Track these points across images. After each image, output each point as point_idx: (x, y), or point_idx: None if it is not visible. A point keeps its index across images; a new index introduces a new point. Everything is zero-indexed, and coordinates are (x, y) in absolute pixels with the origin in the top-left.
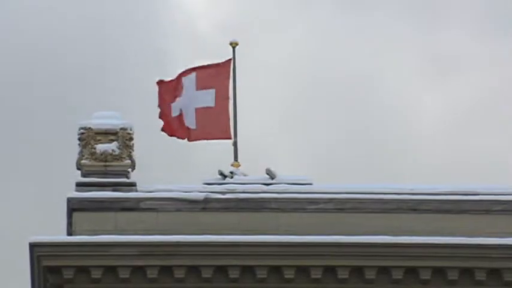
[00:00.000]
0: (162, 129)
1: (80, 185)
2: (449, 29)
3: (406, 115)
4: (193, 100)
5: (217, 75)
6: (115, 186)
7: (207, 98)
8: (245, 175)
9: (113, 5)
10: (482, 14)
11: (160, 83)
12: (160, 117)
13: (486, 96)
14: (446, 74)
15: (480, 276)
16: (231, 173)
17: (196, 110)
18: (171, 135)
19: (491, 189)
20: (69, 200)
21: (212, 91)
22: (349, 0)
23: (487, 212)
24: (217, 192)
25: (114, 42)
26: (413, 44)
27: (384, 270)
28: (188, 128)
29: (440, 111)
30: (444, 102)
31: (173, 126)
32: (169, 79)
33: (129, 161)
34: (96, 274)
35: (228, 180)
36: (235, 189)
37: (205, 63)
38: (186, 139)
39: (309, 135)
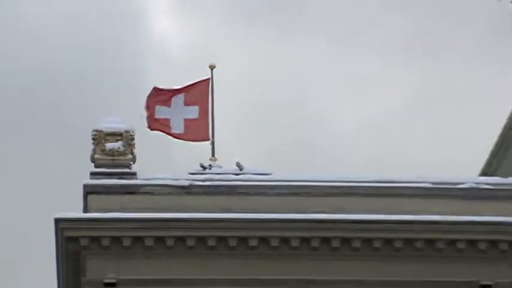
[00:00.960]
0: (148, 126)
1: (93, 174)
2: (365, 56)
3: (330, 124)
4: (182, 113)
5: (200, 94)
6: (120, 175)
7: (193, 112)
8: (220, 167)
9: (96, 32)
10: (390, 42)
11: (155, 89)
12: (148, 119)
13: (392, 109)
14: (362, 92)
15: (398, 244)
16: (209, 165)
17: (185, 120)
18: (152, 130)
19: (403, 178)
20: (85, 186)
21: (196, 108)
22: (289, 31)
23: (402, 195)
24: (198, 180)
25: (96, 63)
26: (336, 68)
27: (326, 241)
28: (176, 134)
29: (356, 122)
30: (359, 115)
31: (155, 124)
32: (163, 87)
33: (131, 156)
34: (105, 243)
35: (207, 171)
36: (212, 178)
37: (189, 83)
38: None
39: (262, 139)
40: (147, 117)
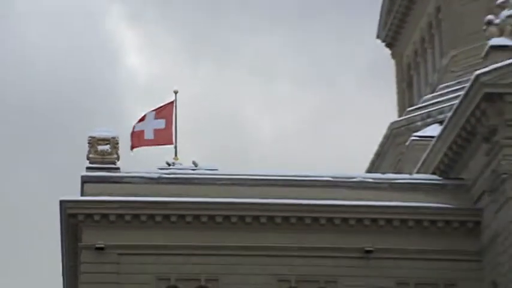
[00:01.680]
0: (132, 143)
1: (88, 169)
2: (279, 81)
3: (255, 132)
4: (152, 125)
5: (166, 111)
6: (108, 170)
7: (161, 124)
8: (181, 164)
9: (80, 66)
10: (296, 71)
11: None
12: (132, 133)
13: (300, 122)
14: (277, 108)
15: (307, 220)
16: (173, 163)
17: (154, 130)
18: (132, 149)
19: (310, 173)
20: (82, 177)
21: (163, 120)
22: (225, 65)
23: (310, 185)
24: (165, 173)
25: (82, 87)
26: (258, 90)
27: (256, 218)
28: (148, 140)
29: (273, 131)
30: (275, 126)
31: (134, 140)
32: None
33: (116, 156)
34: (96, 218)
35: (171, 166)
36: (175, 171)
37: (156, 105)
38: (146, 145)
39: (210, 143)
40: (131, 140)
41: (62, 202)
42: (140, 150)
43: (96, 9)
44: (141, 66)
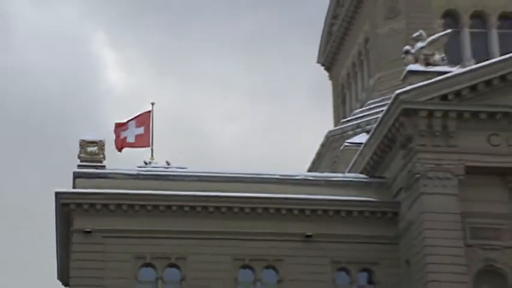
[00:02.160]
0: (116, 147)
1: (79, 166)
2: (236, 95)
3: (214, 138)
4: (134, 131)
5: (144, 120)
6: (95, 167)
7: (141, 130)
8: (156, 163)
9: (68, 79)
10: (251, 87)
11: (116, 124)
12: (115, 139)
13: (253, 131)
14: (234, 119)
15: (259, 210)
16: (150, 162)
17: (136, 135)
18: (119, 150)
19: (262, 172)
20: (74, 173)
21: (142, 127)
22: (190, 79)
23: (263, 182)
24: (143, 171)
25: (71, 99)
26: (217, 102)
27: (218, 208)
28: (129, 143)
29: (230, 137)
30: (232, 133)
31: (119, 143)
32: (120, 121)
33: (102, 156)
34: (85, 207)
35: (148, 165)
36: (151, 169)
37: (136, 114)
38: (128, 147)
39: (179, 146)
40: (115, 143)
41: (57, 194)
42: (123, 151)
43: (82, 34)
44: (119, 81)
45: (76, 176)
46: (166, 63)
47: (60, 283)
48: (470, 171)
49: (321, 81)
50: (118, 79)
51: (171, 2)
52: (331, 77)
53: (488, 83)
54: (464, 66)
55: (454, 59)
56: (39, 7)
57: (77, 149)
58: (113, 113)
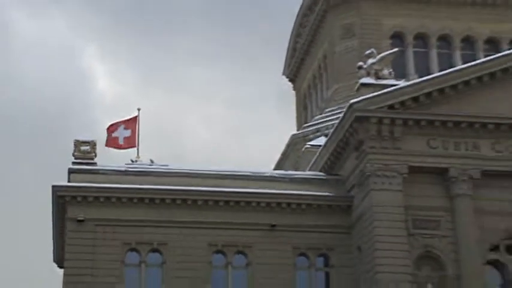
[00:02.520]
0: (106, 144)
1: (73, 163)
2: (213, 101)
3: (187, 139)
4: (123, 133)
5: (131, 123)
6: (88, 164)
7: (128, 133)
8: (141, 161)
9: (61, 89)
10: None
11: (110, 124)
12: (107, 138)
13: (225, 134)
14: (211, 123)
15: (232, 203)
16: (136, 160)
17: (124, 137)
18: (109, 147)
19: (235, 169)
20: (69, 169)
21: (130, 130)
22: (172, 90)
23: (233, 178)
24: (130, 167)
25: (64, 105)
26: (191, 109)
27: (195, 201)
28: (119, 144)
29: (202, 140)
30: (203, 137)
31: (110, 142)
32: (112, 122)
33: (94, 154)
34: (79, 199)
35: (134, 163)
36: (137, 166)
37: (124, 118)
38: (117, 148)
39: (160, 146)
40: (106, 143)
41: (53, 187)
42: (113, 151)
43: (76, 46)
44: (108, 89)
45: (71, 171)
46: (152, 73)
47: (56, 265)
48: (413, 170)
49: (286, 91)
50: (108, 87)
51: (153, 20)
52: (294, 88)
53: (428, 94)
54: (408, 80)
55: (400, 74)
56: (37, 20)
57: (71, 148)
58: (102, 118)
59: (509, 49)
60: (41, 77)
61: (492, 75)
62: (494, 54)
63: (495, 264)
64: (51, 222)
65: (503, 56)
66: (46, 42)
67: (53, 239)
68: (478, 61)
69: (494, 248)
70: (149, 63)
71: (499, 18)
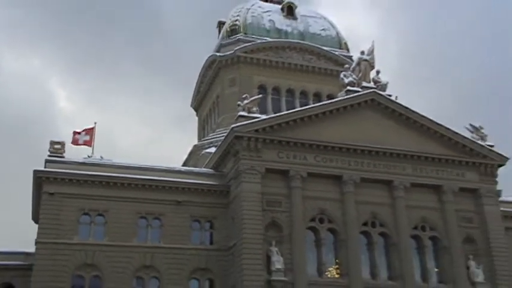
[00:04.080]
0: (72, 143)
1: (49, 156)
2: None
3: (119, 141)
4: (83, 138)
5: (90, 131)
6: (58, 157)
7: (87, 137)
8: (95, 156)
9: (30, 104)
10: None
11: (74, 132)
12: (72, 138)
13: (151, 134)
14: (133, 134)
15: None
16: (90, 156)
17: (84, 140)
18: (73, 144)
19: (158, 165)
20: (45, 160)
21: (89, 135)
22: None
23: (157, 170)
24: (87, 160)
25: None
26: (130, 114)
27: (143, 186)
28: (80, 144)
29: (131, 145)
30: (133, 142)
31: (74, 141)
32: (79, 130)
33: (63, 151)
34: (51, 179)
35: (90, 158)
36: (92, 160)
37: (85, 127)
38: (79, 145)
39: (108, 147)
40: (72, 142)
41: (34, 171)
42: (76, 148)
43: (45, 76)
44: (73, 107)
45: (47, 161)
46: (103, 98)
47: (33, 222)
48: (268, 171)
49: (192, 117)
50: (72, 106)
51: (104, 57)
52: (197, 115)
53: (279, 124)
54: (267, 115)
55: (263, 111)
56: (18, 56)
57: (47, 147)
58: (67, 128)
59: (327, 99)
60: (21, 99)
61: (316, 115)
62: (319, 103)
63: (312, 228)
64: (31, 194)
65: (324, 104)
66: (24, 71)
67: (32, 205)
68: (308, 106)
69: (312, 220)
70: (102, 90)
71: (321, 81)
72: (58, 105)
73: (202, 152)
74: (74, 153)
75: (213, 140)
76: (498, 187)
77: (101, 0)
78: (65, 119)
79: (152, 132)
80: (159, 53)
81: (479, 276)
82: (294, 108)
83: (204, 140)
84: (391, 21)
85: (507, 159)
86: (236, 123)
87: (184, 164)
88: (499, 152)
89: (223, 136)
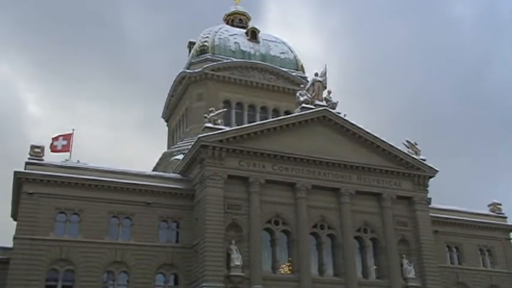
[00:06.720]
0: (50, 149)
1: (29, 159)
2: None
3: (93, 146)
4: (61, 143)
5: (67, 137)
6: (38, 160)
7: (66, 142)
8: (72, 160)
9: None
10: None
11: (52, 138)
12: (50, 145)
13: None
14: (106, 141)
15: (135, 192)
16: (68, 159)
17: (62, 145)
18: (53, 151)
19: (130, 170)
20: (26, 163)
21: (66, 140)
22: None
23: (128, 174)
24: (64, 163)
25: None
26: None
27: (100, 186)
28: (58, 149)
29: (101, 150)
30: (103, 147)
31: (52, 148)
32: (56, 135)
33: (42, 154)
34: (30, 180)
35: (67, 161)
36: (69, 163)
37: (64, 133)
38: (58, 152)
39: (86, 153)
40: (50, 148)
41: (15, 172)
42: (54, 154)
43: (21, 90)
44: (43, 114)
45: (27, 163)
46: (69, 102)
47: (12, 219)
48: (230, 177)
49: (162, 127)
50: (42, 113)
51: (69, 64)
52: (168, 125)
53: (241, 136)
54: (231, 127)
55: (227, 123)
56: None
57: (27, 150)
58: (43, 130)
59: (284, 115)
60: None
61: (275, 128)
62: (277, 118)
63: (268, 229)
64: (11, 194)
65: (281, 119)
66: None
67: (12, 203)
68: (267, 120)
69: (269, 221)
70: (77, 101)
71: (280, 98)
72: (26, 109)
73: (171, 159)
74: (53, 155)
75: (181, 148)
76: (428, 195)
77: (67, 10)
78: (33, 122)
79: (116, 136)
80: (122, 62)
81: (411, 273)
82: (254, 122)
83: (173, 148)
84: (335, 43)
85: (436, 171)
86: (203, 133)
87: (154, 169)
88: (430, 165)
89: (190, 145)
